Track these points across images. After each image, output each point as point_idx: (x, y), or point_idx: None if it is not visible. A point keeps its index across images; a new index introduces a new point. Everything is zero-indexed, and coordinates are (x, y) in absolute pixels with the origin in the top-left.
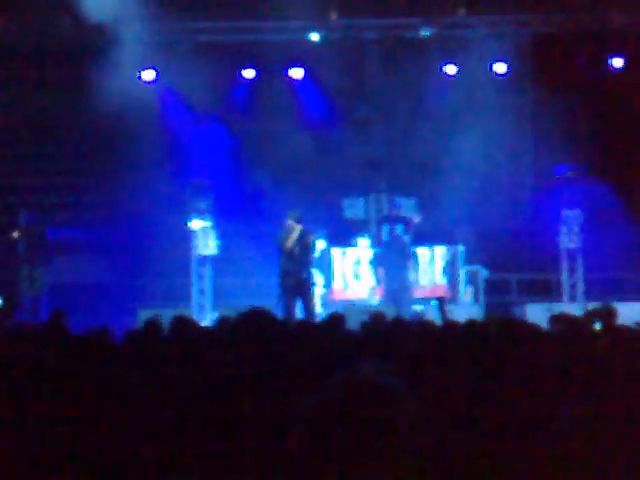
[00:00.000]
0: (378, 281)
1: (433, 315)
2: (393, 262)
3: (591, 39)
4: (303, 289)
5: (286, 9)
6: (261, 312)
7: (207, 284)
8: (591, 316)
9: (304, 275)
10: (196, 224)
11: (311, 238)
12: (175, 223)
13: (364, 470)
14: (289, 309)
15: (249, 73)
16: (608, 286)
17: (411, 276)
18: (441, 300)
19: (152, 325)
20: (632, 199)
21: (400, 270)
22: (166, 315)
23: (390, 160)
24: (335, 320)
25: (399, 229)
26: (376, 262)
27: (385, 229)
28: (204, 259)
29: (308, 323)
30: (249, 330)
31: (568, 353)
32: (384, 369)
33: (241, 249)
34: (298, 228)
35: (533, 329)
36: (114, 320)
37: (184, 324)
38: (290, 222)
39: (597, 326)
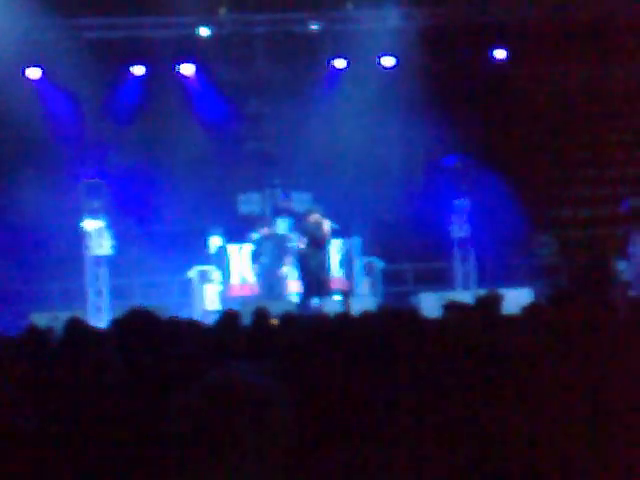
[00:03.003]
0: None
1: (332, 308)
2: (270, 257)
3: (474, 31)
4: (327, 285)
5: (175, 5)
6: (144, 312)
7: (103, 285)
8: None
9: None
10: (90, 224)
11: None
12: (68, 224)
13: (231, 469)
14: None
15: (139, 70)
16: (499, 272)
17: (286, 271)
18: (346, 294)
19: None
20: (517, 187)
21: (276, 265)
22: (62, 318)
23: (284, 154)
24: (229, 318)
25: (288, 223)
26: (253, 257)
27: (282, 223)
28: (99, 260)
29: (196, 323)
30: (131, 331)
31: (457, 340)
32: (258, 369)
33: (136, 248)
34: (327, 222)
35: (420, 318)
36: (9, 327)
37: (76, 327)
38: (315, 216)
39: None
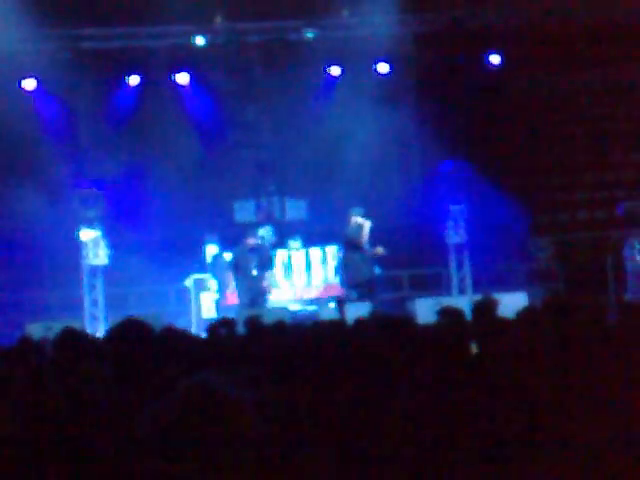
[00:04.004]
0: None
1: (327, 315)
2: (249, 266)
3: (469, 37)
4: (373, 286)
5: (171, 14)
6: (138, 322)
7: (99, 295)
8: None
9: (374, 272)
10: (86, 234)
11: (377, 249)
12: (64, 234)
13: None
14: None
15: (134, 79)
16: (494, 277)
17: (266, 280)
18: (340, 301)
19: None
20: (513, 191)
21: (260, 275)
22: (56, 328)
23: (280, 162)
24: (225, 325)
25: (269, 231)
26: (232, 266)
27: (265, 232)
28: (95, 269)
29: (189, 332)
30: (124, 341)
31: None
32: (232, 378)
33: (133, 257)
34: (368, 223)
35: (414, 324)
36: (4, 337)
37: (70, 337)
38: (357, 218)
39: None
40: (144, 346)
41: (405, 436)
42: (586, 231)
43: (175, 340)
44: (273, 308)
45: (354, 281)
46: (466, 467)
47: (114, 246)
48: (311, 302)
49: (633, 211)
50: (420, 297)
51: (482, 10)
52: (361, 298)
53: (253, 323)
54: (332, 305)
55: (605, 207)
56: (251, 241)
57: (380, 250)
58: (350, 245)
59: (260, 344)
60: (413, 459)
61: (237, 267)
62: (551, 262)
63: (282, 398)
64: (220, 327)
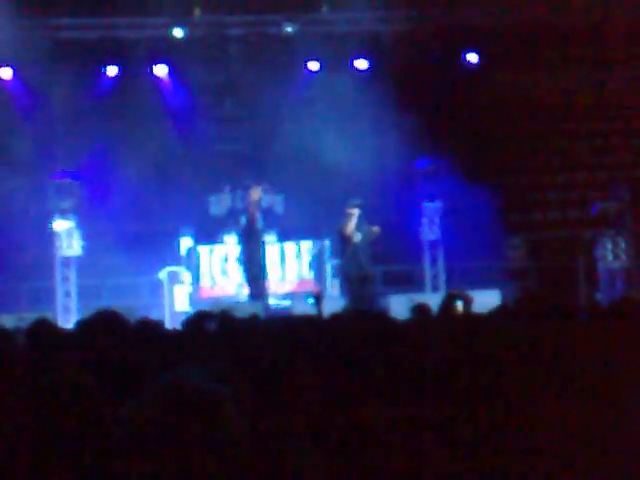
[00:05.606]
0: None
1: (301, 309)
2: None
3: (447, 35)
4: (367, 280)
5: (149, 5)
6: (110, 313)
7: (72, 286)
8: (452, 298)
9: (369, 265)
10: (60, 225)
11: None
12: (38, 224)
13: (182, 472)
14: (357, 298)
15: (112, 70)
16: (468, 275)
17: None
18: (317, 296)
19: None
20: (488, 190)
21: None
22: (28, 319)
23: (256, 156)
24: (201, 318)
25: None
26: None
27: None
28: (68, 260)
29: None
30: (97, 332)
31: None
32: (211, 374)
33: (106, 249)
34: (356, 212)
35: (390, 319)
36: None
37: (42, 328)
38: (348, 210)
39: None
40: (117, 338)
41: (381, 430)
42: (559, 231)
43: (150, 333)
44: (246, 302)
45: (343, 275)
46: (440, 464)
47: (88, 237)
48: (285, 297)
49: (606, 212)
50: (394, 294)
51: (461, 9)
52: (346, 293)
53: (225, 317)
54: (311, 301)
55: (577, 207)
56: (255, 195)
57: (375, 229)
58: (341, 238)
59: (233, 338)
60: (390, 451)
61: (249, 232)
62: (524, 261)
63: (254, 394)
64: (200, 320)
